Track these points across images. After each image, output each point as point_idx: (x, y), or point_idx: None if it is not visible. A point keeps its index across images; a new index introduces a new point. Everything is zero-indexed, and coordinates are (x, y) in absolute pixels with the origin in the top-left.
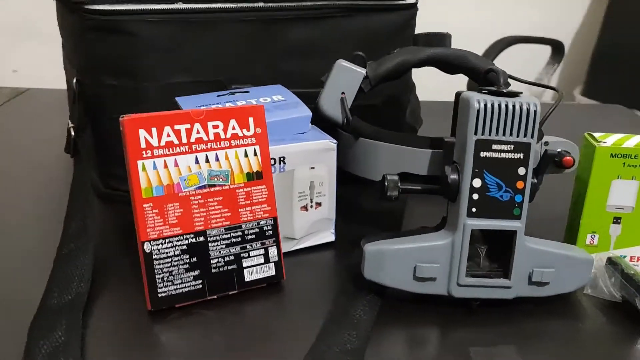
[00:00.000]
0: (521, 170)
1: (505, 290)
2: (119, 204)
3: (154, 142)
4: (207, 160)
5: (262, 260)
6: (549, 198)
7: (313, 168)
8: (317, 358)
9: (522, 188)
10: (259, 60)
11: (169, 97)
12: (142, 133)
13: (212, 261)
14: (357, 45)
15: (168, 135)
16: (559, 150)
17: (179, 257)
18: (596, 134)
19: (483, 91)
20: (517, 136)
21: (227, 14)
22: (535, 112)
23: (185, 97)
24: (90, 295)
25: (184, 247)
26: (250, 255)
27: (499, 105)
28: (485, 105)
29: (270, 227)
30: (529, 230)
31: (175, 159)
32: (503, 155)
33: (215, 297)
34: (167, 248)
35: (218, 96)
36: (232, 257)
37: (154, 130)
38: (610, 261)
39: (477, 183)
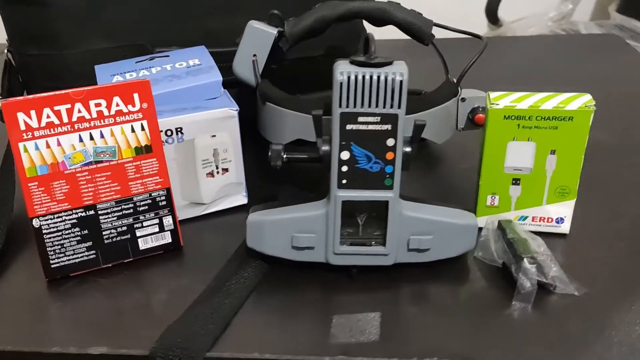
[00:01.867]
0: (390, 142)
1: (383, 257)
2: None
3: (34, 124)
4: (91, 138)
5: (156, 230)
6: (466, 155)
7: (214, 136)
8: (184, 325)
9: (393, 159)
10: (184, 21)
11: (92, 64)
12: (21, 116)
13: (104, 233)
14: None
15: (48, 117)
16: (475, 106)
17: (70, 230)
18: (494, 94)
19: (352, 61)
20: (384, 107)
21: None
22: (400, 82)
23: (103, 65)
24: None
25: (74, 220)
26: (144, 225)
27: (363, 77)
28: (349, 77)
29: (163, 198)
30: (444, 191)
31: (57, 139)
32: (370, 127)
33: (110, 265)
34: (56, 222)
35: (137, 62)
36: (125, 228)
37: (32, 112)
38: (500, 225)
39: (345, 155)
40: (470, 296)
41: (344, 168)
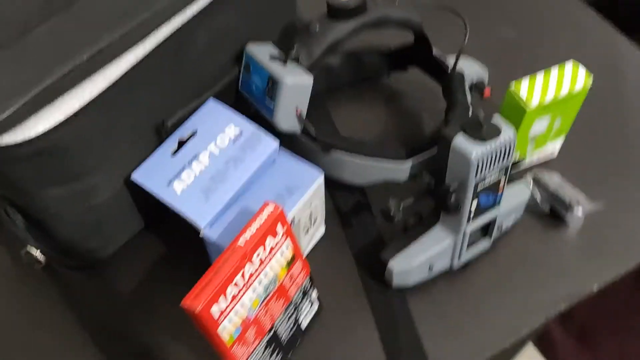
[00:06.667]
0: (502, 180)
1: (485, 246)
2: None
3: (224, 305)
4: (260, 283)
5: (309, 308)
6: None
7: (310, 205)
8: None
9: (502, 189)
10: (179, 82)
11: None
12: (215, 308)
13: (282, 337)
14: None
15: (230, 292)
16: (476, 79)
17: (262, 355)
18: (517, 86)
19: (468, 133)
20: (501, 164)
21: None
22: (514, 141)
23: (142, 172)
24: None
25: (264, 345)
26: (302, 311)
27: (492, 151)
28: (482, 157)
29: (309, 282)
30: None
31: (241, 303)
32: (492, 178)
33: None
34: (255, 356)
35: (173, 155)
36: (294, 326)
37: (221, 298)
38: (536, 180)
39: (473, 204)
40: (538, 239)
41: (472, 211)
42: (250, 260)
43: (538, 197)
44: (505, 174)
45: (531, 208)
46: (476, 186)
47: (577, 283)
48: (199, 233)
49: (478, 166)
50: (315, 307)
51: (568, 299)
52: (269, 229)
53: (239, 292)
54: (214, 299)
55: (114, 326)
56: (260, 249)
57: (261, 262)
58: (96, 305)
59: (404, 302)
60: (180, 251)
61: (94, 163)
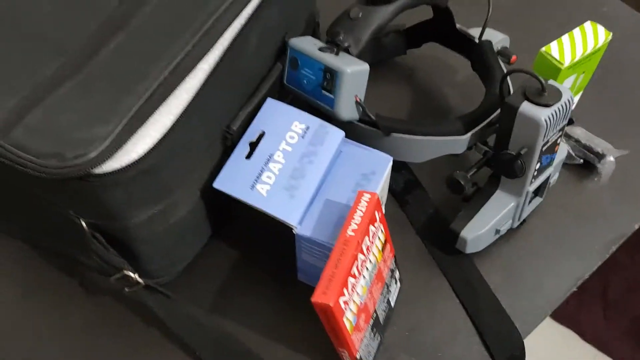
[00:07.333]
0: (558, 140)
1: (538, 202)
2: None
3: (346, 296)
4: (366, 270)
5: (395, 287)
6: None
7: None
8: None
9: (557, 149)
10: (236, 84)
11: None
12: (341, 300)
13: (380, 319)
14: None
15: (350, 282)
16: (501, 47)
17: (367, 335)
18: (552, 51)
19: (531, 99)
20: (562, 123)
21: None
22: (572, 101)
23: (223, 180)
24: None
25: (369, 329)
26: (392, 291)
27: (556, 114)
28: (549, 121)
29: (394, 262)
30: None
31: (356, 292)
32: (553, 139)
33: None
34: (363, 345)
35: (247, 158)
36: (387, 307)
37: (345, 290)
38: (567, 135)
39: (537, 165)
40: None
41: (535, 172)
42: (360, 250)
43: (571, 150)
44: (561, 134)
45: (565, 162)
46: (541, 149)
47: (620, 225)
48: (269, 231)
49: (547, 130)
50: (399, 285)
51: (616, 241)
52: (371, 218)
53: (355, 281)
54: (340, 292)
55: (209, 333)
56: (366, 238)
57: (367, 249)
58: (188, 316)
59: (474, 266)
60: (251, 250)
61: (178, 179)
